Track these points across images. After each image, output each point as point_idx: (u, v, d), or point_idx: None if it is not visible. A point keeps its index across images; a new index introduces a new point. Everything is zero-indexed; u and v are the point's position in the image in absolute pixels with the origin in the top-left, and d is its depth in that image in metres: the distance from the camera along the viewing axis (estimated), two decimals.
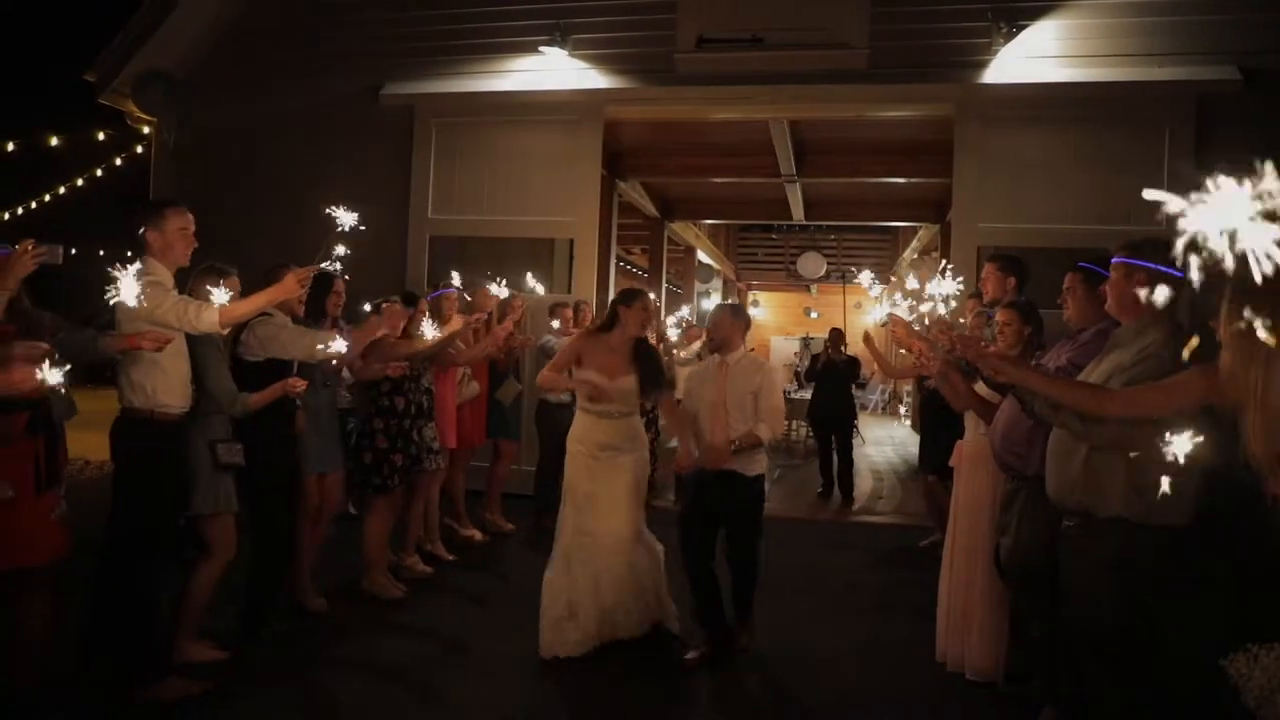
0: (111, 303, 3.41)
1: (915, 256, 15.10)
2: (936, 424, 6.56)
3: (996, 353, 2.90)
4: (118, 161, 10.56)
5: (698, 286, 17.05)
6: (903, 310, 4.59)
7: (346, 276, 4.98)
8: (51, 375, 2.87)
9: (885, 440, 12.94)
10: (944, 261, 4.65)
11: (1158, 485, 2.63)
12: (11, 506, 3.23)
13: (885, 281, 18.86)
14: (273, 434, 4.35)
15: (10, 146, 10.18)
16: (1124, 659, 2.81)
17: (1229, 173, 1.34)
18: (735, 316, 4.70)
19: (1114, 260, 2.85)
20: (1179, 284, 2.72)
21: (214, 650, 4.14)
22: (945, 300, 4.17)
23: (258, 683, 3.95)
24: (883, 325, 5.01)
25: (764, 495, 4.58)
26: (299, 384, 4.27)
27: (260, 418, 4.22)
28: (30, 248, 3.20)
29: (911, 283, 4.84)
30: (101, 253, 3.48)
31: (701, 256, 16.67)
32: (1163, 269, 2.71)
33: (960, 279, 4.33)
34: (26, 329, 3.27)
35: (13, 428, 3.26)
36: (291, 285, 3.75)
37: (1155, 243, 2.80)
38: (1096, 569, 2.82)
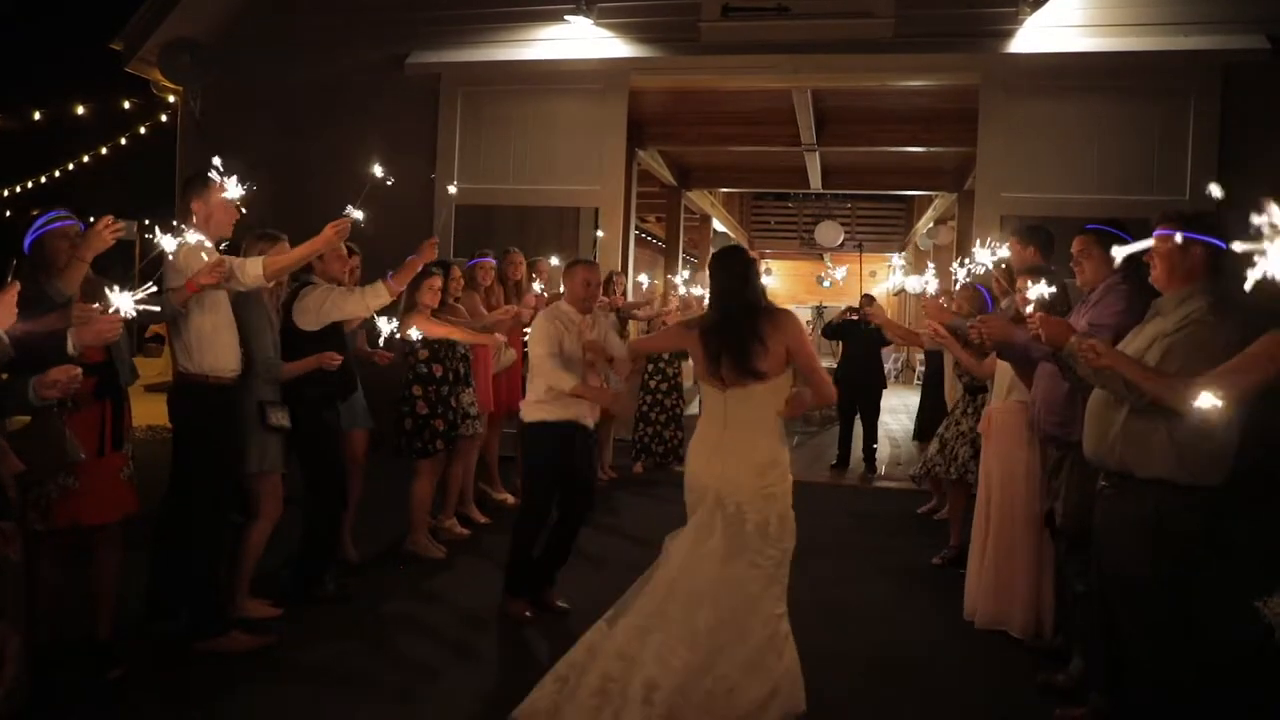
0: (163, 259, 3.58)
1: (931, 225, 15.11)
2: (934, 394, 6.76)
3: (1092, 343, 2.87)
4: (142, 130, 10.62)
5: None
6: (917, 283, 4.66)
7: (355, 249, 5.10)
8: (122, 301, 2.95)
9: (900, 408, 13.04)
10: (992, 242, 4.73)
11: (1199, 446, 2.74)
12: (84, 467, 3.38)
13: (901, 249, 18.94)
14: (321, 397, 4.48)
15: (36, 115, 10.23)
16: (1159, 615, 2.93)
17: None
18: None
19: (1164, 232, 2.92)
20: (1225, 255, 2.83)
21: (269, 607, 4.31)
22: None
23: (312, 638, 4.11)
24: (895, 294, 5.14)
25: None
26: (335, 359, 4.38)
27: (309, 381, 4.36)
28: (110, 223, 3.32)
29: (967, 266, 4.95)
30: (136, 226, 3.62)
31: (717, 225, 16.69)
32: (1216, 242, 2.81)
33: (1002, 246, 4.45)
34: (92, 297, 3.39)
35: (82, 391, 3.40)
36: (330, 235, 3.92)
37: (1205, 216, 2.91)
38: (1134, 528, 2.93)
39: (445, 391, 5.30)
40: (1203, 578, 2.96)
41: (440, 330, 5.11)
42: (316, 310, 4.37)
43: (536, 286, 6.55)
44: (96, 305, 3.10)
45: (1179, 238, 2.85)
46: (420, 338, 5.07)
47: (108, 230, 3.34)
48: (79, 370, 2.88)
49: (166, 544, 4.01)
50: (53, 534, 3.41)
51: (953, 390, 5.77)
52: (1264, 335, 2.58)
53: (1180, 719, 2.92)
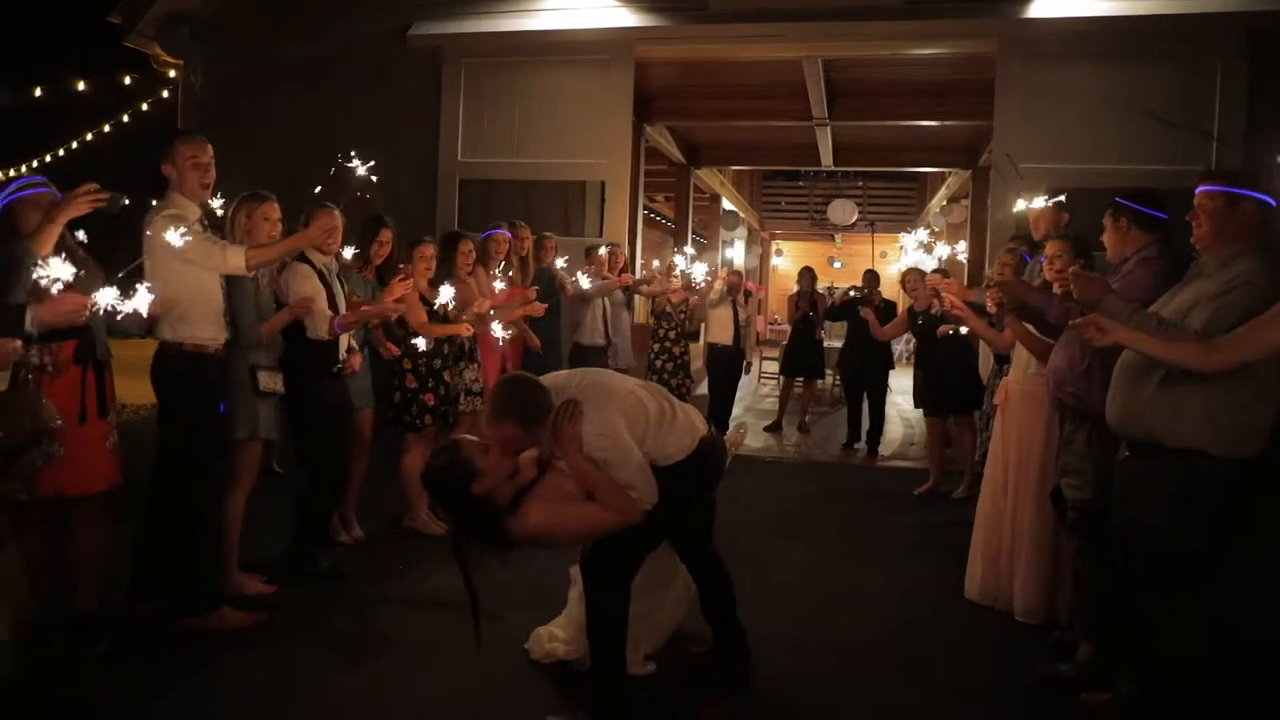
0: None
1: (945, 203, 14.89)
2: (926, 365, 6.75)
3: (1094, 319, 2.71)
4: (144, 107, 10.47)
5: (723, 234, 16.90)
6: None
7: (388, 223, 5.00)
8: (102, 296, 2.95)
9: (911, 389, 12.87)
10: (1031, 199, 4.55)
11: (1236, 415, 2.58)
12: (66, 434, 3.26)
13: (913, 229, 18.69)
14: (323, 370, 4.37)
15: (37, 92, 10.08)
16: (1184, 591, 2.78)
17: None
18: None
19: (1209, 188, 2.75)
20: (1275, 213, 2.68)
21: (263, 584, 4.20)
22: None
23: (306, 616, 4.00)
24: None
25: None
26: (308, 307, 4.26)
27: (310, 355, 4.28)
28: (90, 189, 3.20)
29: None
30: (127, 201, 3.50)
31: (726, 204, 16.50)
32: (1267, 199, 2.65)
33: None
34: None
35: (60, 356, 3.29)
36: (315, 234, 4.07)
37: (1252, 172, 2.74)
38: (1160, 500, 2.78)
39: (438, 365, 5.16)
40: (1231, 553, 2.81)
41: (423, 324, 5.03)
42: (287, 288, 4.29)
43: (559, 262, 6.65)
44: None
45: (1227, 194, 2.68)
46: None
47: (86, 197, 3.21)
48: (17, 343, 2.81)
49: (153, 519, 3.89)
50: (36, 504, 3.29)
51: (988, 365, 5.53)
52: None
53: (1208, 702, 2.77)
